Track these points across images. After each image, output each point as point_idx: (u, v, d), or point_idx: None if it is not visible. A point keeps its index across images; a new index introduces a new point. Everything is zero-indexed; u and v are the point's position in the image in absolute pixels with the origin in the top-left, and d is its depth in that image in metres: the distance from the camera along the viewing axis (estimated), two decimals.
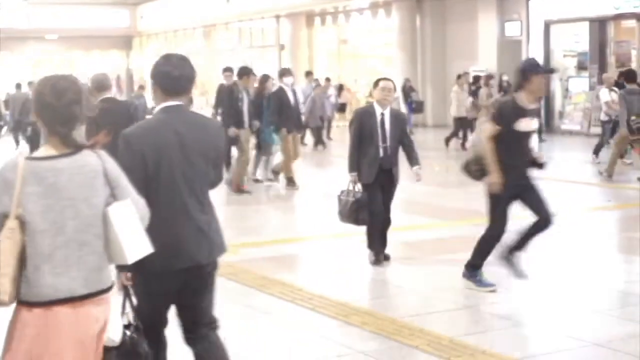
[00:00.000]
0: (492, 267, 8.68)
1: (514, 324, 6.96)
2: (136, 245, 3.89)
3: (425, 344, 6.31)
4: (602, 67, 24.46)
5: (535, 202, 7.68)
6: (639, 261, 8.92)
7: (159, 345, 4.76)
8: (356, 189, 8.91)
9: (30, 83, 24.98)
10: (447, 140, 21.73)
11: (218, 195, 14.39)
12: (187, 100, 4.80)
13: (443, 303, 7.47)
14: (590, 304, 7.41)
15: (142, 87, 27.26)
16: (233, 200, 14.17)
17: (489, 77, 20.88)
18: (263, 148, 15.66)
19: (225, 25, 41.93)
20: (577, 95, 25.73)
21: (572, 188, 14.98)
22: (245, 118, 14.67)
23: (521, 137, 7.60)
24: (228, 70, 17.42)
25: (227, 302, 7.80)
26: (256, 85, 16.42)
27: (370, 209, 8.82)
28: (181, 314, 4.80)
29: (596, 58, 25.01)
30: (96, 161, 3.82)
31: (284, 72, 15.84)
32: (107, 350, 4.03)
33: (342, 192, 9.07)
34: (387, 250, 9.16)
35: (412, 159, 8.88)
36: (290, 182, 15.19)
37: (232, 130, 14.29)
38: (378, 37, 34.23)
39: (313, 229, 11.59)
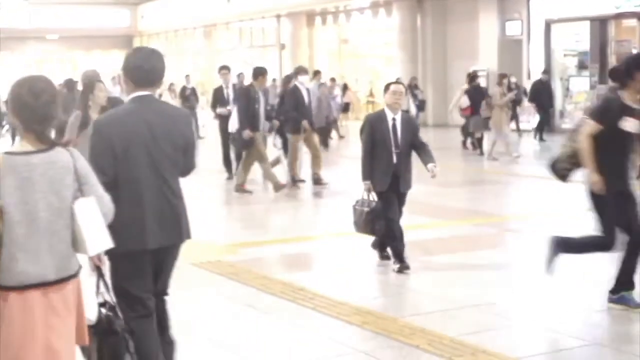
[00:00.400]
0: (496, 268, 8.68)
1: (515, 324, 6.96)
2: (97, 239, 4.19)
3: (426, 343, 6.31)
4: (603, 67, 24.45)
5: (630, 215, 7.07)
6: None
7: (149, 316, 5.09)
8: (371, 198, 8.67)
9: None
10: (473, 143, 21.16)
11: (220, 196, 14.36)
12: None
13: (444, 302, 7.47)
14: (591, 303, 7.41)
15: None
16: (234, 200, 14.18)
17: (503, 75, 20.39)
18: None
19: (226, 25, 41.95)
20: (578, 94, 25.72)
21: (573, 187, 14.96)
22: (261, 120, 14.30)
23: (625, 138, 7.00)
24: (224, 68, 17.00)
25: (228, 302, 7.82)
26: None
27: (388, 217, 8.56)
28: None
29: (597, 57, 25.00)
30: (68, 158, 4.12)
31: (299, 71, 15.48)
32: None
33: (357, 201, 8.79)
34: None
35: (426, 157, 8.65)
36: (294, 181, 15.07)
37: (247, 133, 13.95)
38: (379, 36, 34.22)
39: (314, 229, 11.59)
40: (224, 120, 15.92)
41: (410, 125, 8.82)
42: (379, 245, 9.04)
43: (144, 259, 4.94)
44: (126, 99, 5.14)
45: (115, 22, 48.85)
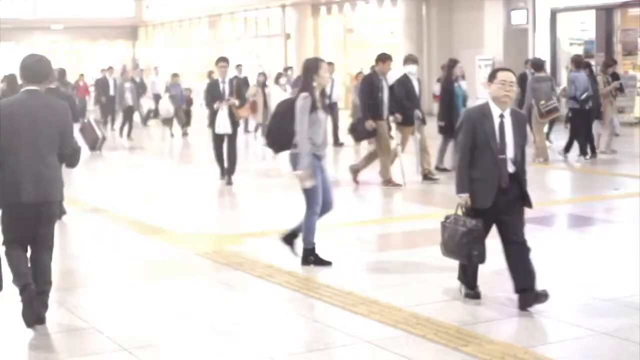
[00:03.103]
0: (501, 258, 8.65)
1: (522, 313, 6.92)
2: None
3: (432, 333, 6.30)
4: (609, 56, 24.39)
5: None
6: None
7: (24, 253, 6.68)
8: (468, 215, 7.00)
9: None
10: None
11: (226, 186, 14.27)
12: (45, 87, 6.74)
13: (450, 292, 7.45)
14: (597, 292, 7.39)
15: (176, 75, 26.94)
16: (239, 190, 14.14)
17: (608, 64, 19.05)
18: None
19: (231, 14, 41.88)
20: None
21: (578, 176, 14.95)
22: (385, 109, 13.59)
23: None
24: (223, 60, 14.89)
25: (232, 291, 7.82)
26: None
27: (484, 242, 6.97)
28: (29, 236, 6.65)
29: (603, 46, 24.94)
30: None
31: (408, 59, 14.52)
32: None
33: (448, 218, 7.17)
34: (392, 243, 9.12)
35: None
36: (429, 174, 14.17)
37: (369, 124, 13.33)
38: (384, 26, 34.13)
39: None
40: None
41: (521, 125, 7.02)
42: (471, 275, 7.33)
43: (21, 210, 6.52)
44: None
45: (120, 12, 48.75)
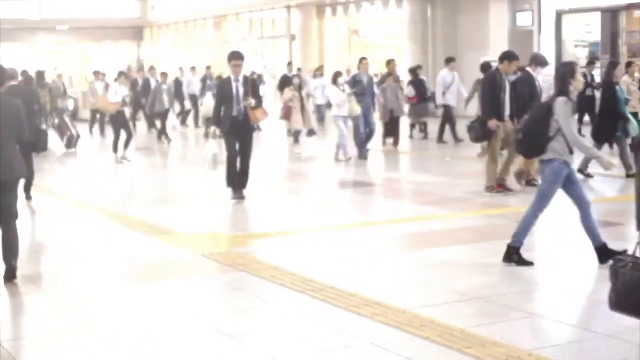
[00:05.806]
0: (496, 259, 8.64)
1: (525, 315, 6.94)
2: None
3: (436, 334, 6.30)
4: (614, 57, 24.37)
5: None
6: None
7: None
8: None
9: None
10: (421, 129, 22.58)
11: (226, 188, 14.29)
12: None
13: (453, 294, 7.46)
14: (601, 294, 7.38)
15: (218, 77, 26.34)
16: (246, 191, 14.14)
17: None
18: (622, 139, 13.97)
19: (236, 15, 41.95)
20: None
21: (582, 177, 14.91)
22: (506, 110, 12.83)
23: None
24: (238, 57, 12.96)
25: (236, 292, 7.83)
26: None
27: None
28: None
29: (608, 48, 24.93)
30: None
31: (534, 58, 13.66)
32: None
33: (621, 261, 5.47)
34: (395, 243, 9.11)
35: None
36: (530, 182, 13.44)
37: (493, 122, 12.61)
38: (389, 27, 34.17)
39: (325, 220, 11.57)
40: (234, 122, 12.79)
41: None
42: None
43: None
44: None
45: (125, 13, 48.86)
